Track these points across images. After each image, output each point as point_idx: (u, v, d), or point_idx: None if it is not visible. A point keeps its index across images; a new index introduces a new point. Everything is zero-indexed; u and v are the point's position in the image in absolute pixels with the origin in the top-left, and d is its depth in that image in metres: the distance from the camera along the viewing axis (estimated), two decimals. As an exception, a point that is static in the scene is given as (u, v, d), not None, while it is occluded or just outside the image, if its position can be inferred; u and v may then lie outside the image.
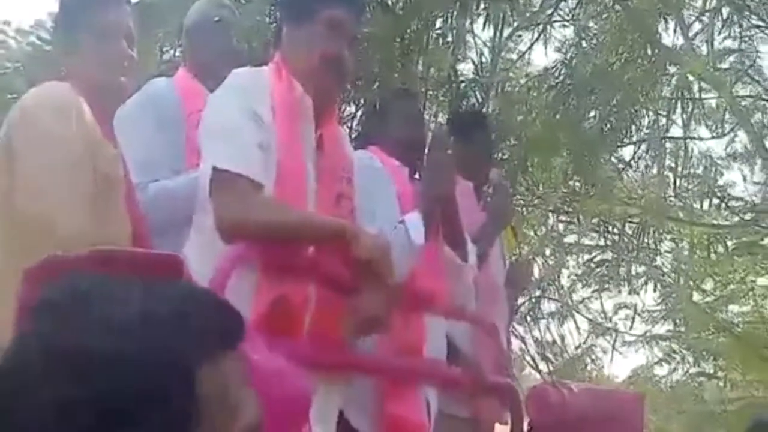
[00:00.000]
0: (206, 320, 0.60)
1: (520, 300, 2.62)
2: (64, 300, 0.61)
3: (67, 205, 1.36)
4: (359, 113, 3.95)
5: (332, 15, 1.59)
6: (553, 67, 4.83)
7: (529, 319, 5.82)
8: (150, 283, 0.63)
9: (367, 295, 1.42)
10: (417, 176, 2.11)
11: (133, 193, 1.59)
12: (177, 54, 3.69)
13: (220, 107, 1.55)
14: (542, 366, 5.88)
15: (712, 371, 6.50)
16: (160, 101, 1.94)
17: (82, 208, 1.38)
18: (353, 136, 3.65)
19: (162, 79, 2.11)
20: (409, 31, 3.89)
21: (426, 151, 2.10)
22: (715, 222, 6.07)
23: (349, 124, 4.00)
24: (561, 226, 6.00)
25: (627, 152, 5.66)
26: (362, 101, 3.89)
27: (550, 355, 6.08)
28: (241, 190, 1.42)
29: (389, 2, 3.92)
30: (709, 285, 6.32)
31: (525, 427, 1.91)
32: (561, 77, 4.69)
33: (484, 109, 3.68)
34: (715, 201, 6.11)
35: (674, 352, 6.50)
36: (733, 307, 6.35)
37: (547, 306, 6.25)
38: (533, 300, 5.76)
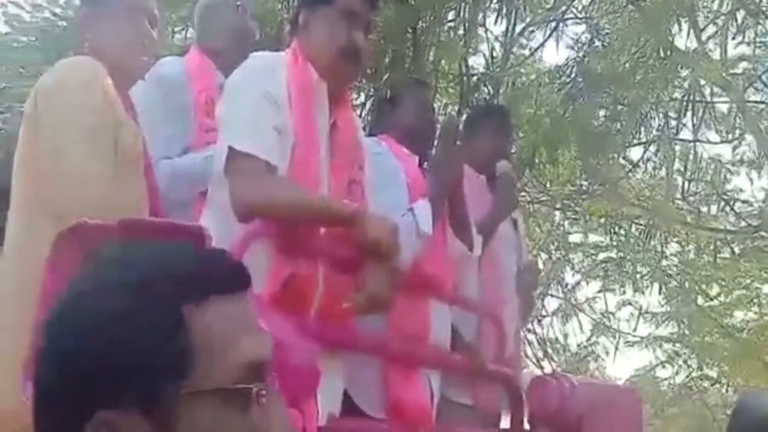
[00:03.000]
0: (194, 268, 0.64)
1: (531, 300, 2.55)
2: (84, 265, 0.66)
3: (90, 172, 1.41)
4: (369, 103, 3.95)
5: (348, 2, 1.61)
6: (564, 64, 4.82)
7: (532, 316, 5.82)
8: (159, 244, 0.67)
9: (371, 274, 1.44)
10: (426, 165, 2.12)
11: (151, 169, 1.62)
12: (188, 35, 3.70)
13: (237, 89, 1.57)
14: (545, 364, 5.89)
15: (715, 376, 6.50)
16: (170, 81, 1.95)
17: (104, 175, 1.42)
18: (363, 125, 3.65)
19: (172, 59, 2.12)
20: (421, 22, 3.89)
21: (436, 140, 2.11)
22: (721, 227, 6.06)
23: (358, 113, 4.01)
24: (567, 223, 5.99)
25: (635, 153, 5.65)
26: (372, 91, 3.89)
27: (552, 353, 6.08)
28: (256, 171, 1.45)
29: (403, -7, 3.92)
30: (714, 290, 6.32)
31: (525, 417, 1.92)
32: (572, 74, 4.68)
33: (505, 106, 3.64)
34: (723, 206, 6.10)
35: (677, 354, 6.49)
36: (739, 313, 6.35)
37: (551, 303, 6.25)
38: (537, 297, 5.76)
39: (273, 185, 1.47)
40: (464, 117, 3.21)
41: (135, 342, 0.59)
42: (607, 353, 6.64)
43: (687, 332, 6.31)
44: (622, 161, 5.51)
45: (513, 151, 4.32)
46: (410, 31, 3.83)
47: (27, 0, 4.61)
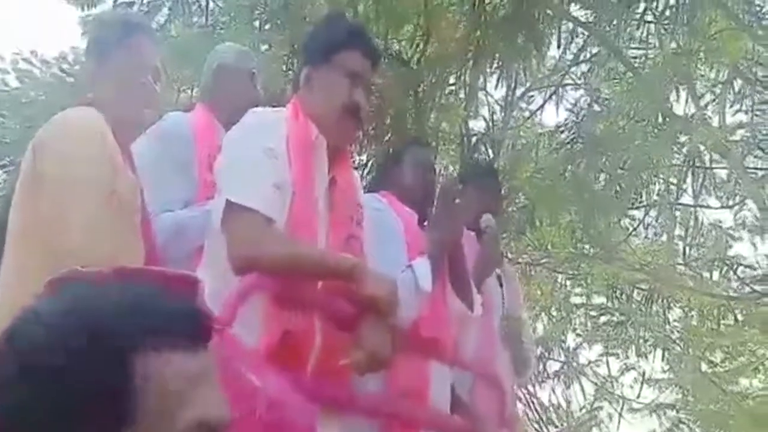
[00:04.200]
0: (153, 316, 0.62)
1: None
2: (48, 302, 0.63)
3: (94, 223, 1.40)
4: (370, 163, 3.99)
5: (349, 60, 1.64)
6: (563, 124, 4.89)
7: (532, 380, 5.70)
8: (128, 283, 0.65)
9: (369, 332, 1.41)
10: (426, 224, 2.11)
11: (149, 222, 1.61)
12: (193, 94, 3.78)
13: (236, 145, 1.58)
14: (546, 430, 5.73)
15: (721, 445, 6.31)
16: (174, 136, 1.97)
17: (105, 226, 1.42)
18: (364, 185, 3.66)
19: (177, 114, 2.15)
20: (422, 86, 3.97)
21: (435, 199, 2.11)
22: (724, 293, 6.00)
23: (360, 174, 4.04)
24: (569, 284, 5.95)
25: (636, 217, 5.65)
26: (374, 152, 3.94)
27: (555, 419, 5.93)
28: (254, 224, 1.44)
29: (404, 57, 4.02)
30: (718, 356, 6.21)
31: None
32: (571, 136, 4.74)
33: (493, 163, 3.68)
34: (725, 271, 6.06)
35: (682, 422, 6.33)
36: (744, 381, 6.21)
37: (552, 366, 6.13)
38: (537, 360, 5.65)
39: (270, 238, 1.45)
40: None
41: (77, 384, 0.57)
42: (611, 419, 6.48)
43: (691, 399, 6.17)
44: (622, 225, 5.52)
45: (512, 209, 4.34)
46: (412, 94, 3.90)
47: (37, 56, 4.74)
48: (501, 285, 2.45)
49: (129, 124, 1.62)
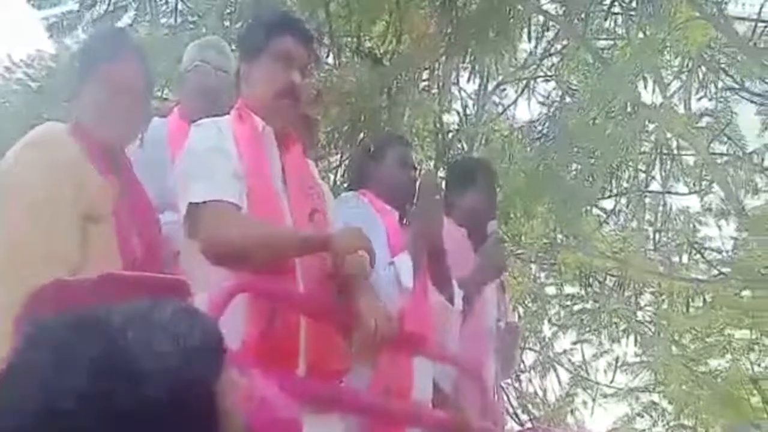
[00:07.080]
0: (215, 340, 0.63)
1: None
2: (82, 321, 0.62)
3: (43, 251, 1.40)
4: (345, 162, 4.00)
5: (280, 46, 1.67)
6: (536, 120, 4.95)
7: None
8: (158, 307, 0.64)
9: (367, 308, 1.44)
10: (406, 221, 2.14)
11: (128, 228, 1.59)
12: (164, 95, 3.75)
13: (187, 153, 1.61)
14: (523, 418, 5.82)
15: (692, 425, 6.47)
16: (150, 142, 1.97)
17: (44, 249, 1.40)
18: (342, 182, 3.68)
19: (155, 119, 2.15)
20: (396, 82, 3.99)
21: (415, 195, 2.14)
22: (693, 276, 6.14)
23: (335, 173, 4.04)
24: (543, 275, 6.03)
25: (607, 205, 5.75)
26: (348, 151, 3.94)
27: (531, 408, 6.02)
28: (220, 212, 1.47)
29: (377, 54, 4.03)
30: (688, 338, 6.35)
31: (510, 472, 1.89)
32: (544, 130, 4.80)
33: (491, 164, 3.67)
34: (693, 254, 6.20)
35: (654, 405, 6.47)
36: (713, 362, 6.37)
37: (528, 357, 6.22)
38: (517, 354, 5.72)
39: (239, 221, 1.48)
40: (447, 170, 3.23)
41: (169, 407, 0.57)
42: (585, 405, 6.59)
43: (663, 382, 6.31)
44: (594, 214, 5.61)
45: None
46: (385, 91, 3.92)
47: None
48: (504, 290, 2.43)
49: (112, 142, 1.61)
